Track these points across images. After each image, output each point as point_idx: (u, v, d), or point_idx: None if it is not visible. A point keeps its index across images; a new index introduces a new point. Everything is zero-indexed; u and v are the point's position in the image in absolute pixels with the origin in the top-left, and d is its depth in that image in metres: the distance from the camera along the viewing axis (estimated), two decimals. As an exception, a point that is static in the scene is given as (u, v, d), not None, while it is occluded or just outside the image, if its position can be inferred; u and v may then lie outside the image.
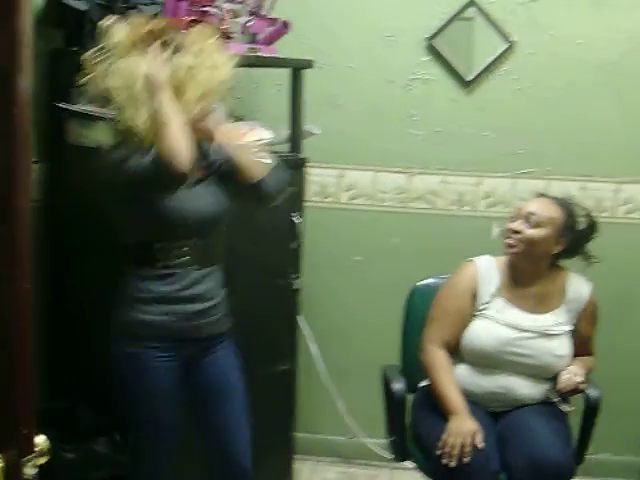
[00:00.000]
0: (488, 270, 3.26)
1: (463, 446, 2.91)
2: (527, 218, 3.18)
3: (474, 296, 3.23)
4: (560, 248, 3.21)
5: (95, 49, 2.68)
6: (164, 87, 2.59)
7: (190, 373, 2.85)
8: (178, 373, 2.81)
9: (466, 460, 2.88)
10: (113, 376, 2.81)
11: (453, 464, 2.89)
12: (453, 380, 3.15)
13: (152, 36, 2.69)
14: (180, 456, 2.92)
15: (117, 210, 2.78)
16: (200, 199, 2.77)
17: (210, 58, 2.70)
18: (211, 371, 2.89)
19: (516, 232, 3.18)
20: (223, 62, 2.73)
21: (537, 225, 3.16)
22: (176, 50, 2.68)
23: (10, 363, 1.39)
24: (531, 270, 3.23)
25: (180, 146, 2.52)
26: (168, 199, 2.68)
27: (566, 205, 3.26)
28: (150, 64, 2.62)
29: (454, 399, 3.08)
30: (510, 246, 3.20)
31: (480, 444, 2.92)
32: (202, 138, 2.79)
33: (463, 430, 2.95)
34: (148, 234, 2.75)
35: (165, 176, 2.54)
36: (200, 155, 2.78)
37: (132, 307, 2.77)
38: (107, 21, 2.71)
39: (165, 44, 2.68)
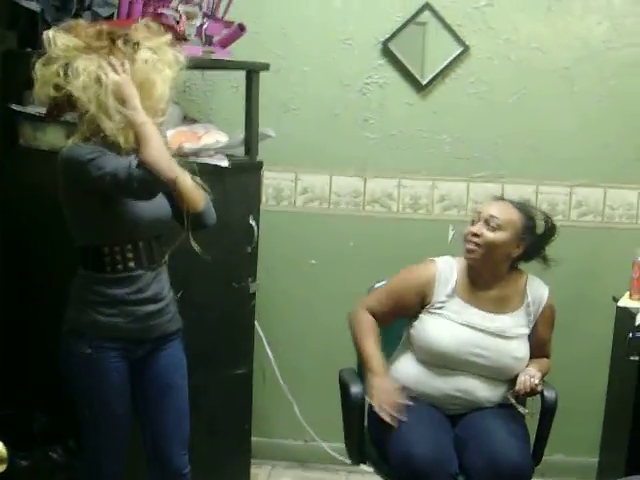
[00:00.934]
0: (446, 271, 3.26)
1: (394, 404, 3.04)
2: (487, 221, 3.17)
3: (424, 296, 3.23)
4: (520, 251, 3.23)
5: (43, 57, 2.65)
6: (133, 94, 2.59)
7: (136, 370, 2.85)
8: (129, 371, 2.82)
9: (403, 418, 3.01)
10: (62, 376, 2.81)
11: (391, 421, 3.01)
12: (377, 343, 3.24)
13: (104, 36, 2.67)
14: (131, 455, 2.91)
15: (70, 212, 2.75)
16: (152, 202, 2.74)
17: (167, 54, 2.70)
18: (155, 369, 2.88)
19: (476, 235, 3.17)
20: (178, 59, 2.73)
21: (498, 228, 3.16)
22: (136, 46, 2.66)
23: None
24: (490, 273, 3.23)
25: (165, 155, 2.56)
26: (125, 203, 2.67)
27: (525, 208, 3.28)
28: (112, 71, 2.60)
29: (376, 360, 3.18)
30: (470, 251, 3.19)
31: (406, 401, 3.05)
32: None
33: (389, 389, 3.09)
34: (99, 238, 2.74)
35: (151, 183, 2.56)
36: None
37: (83, 309, 2.76)
38: (50, 31, 2.68)
39: (124, 42, 2.66)
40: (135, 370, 2.85)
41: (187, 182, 2.76)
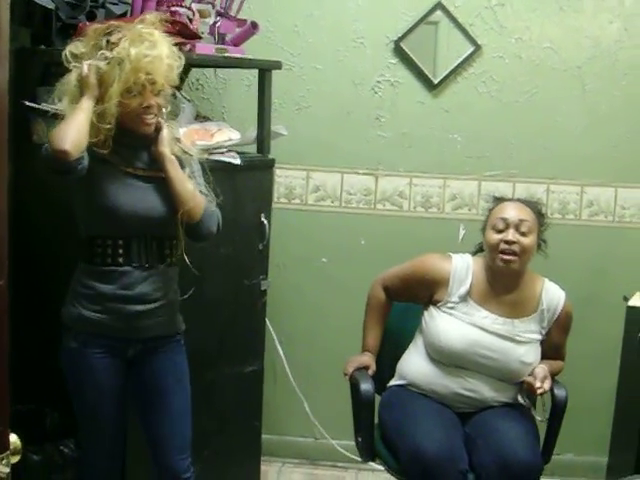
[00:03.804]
0: (462, 271, 3.23)
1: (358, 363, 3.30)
2: (518, 226, 3.12)
3: (435, 291, 3.23)
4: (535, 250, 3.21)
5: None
6: (91, 91, 2.63)
7: (131, 372, 2.86)
8: (120, 370, 2.82)
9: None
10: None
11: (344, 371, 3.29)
12: (379, 322, 3.40)
13: (99, 35, 2.69)
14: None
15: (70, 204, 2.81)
16: (142, 200, 2.75)
17: (142, 47, 2.62)
18: (148, 372, 2.88)
19: (512, 243, 3.10)
20: (155, 51, 2.65)
21: (529, 232, 3.13)
22: (109, 44, 2.65)
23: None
24: (514, 278, 3.19)
25: (66, 134, 2.56)
26: (104, 194, 2.69)
27: (532, 204, 3.26)
28: (83, 67, 2.64)
29: (370, 340, 3.38)
30: (508, 261, 3.11)
31: (371, 371, 3.27)
32: (147, 133, 2.77)
33: (361, 359, 3.32)
34: (87, 229, 2.78)
35: (50, 159, 2.59)
36: (147, 156, 2.79)
37: (74, 302, 2.79)
38: (69, 47, 2.73)
39: (106, 39, 2.67)
40: (130, 371, 2.85)
41: (184, 187, 2.76)
